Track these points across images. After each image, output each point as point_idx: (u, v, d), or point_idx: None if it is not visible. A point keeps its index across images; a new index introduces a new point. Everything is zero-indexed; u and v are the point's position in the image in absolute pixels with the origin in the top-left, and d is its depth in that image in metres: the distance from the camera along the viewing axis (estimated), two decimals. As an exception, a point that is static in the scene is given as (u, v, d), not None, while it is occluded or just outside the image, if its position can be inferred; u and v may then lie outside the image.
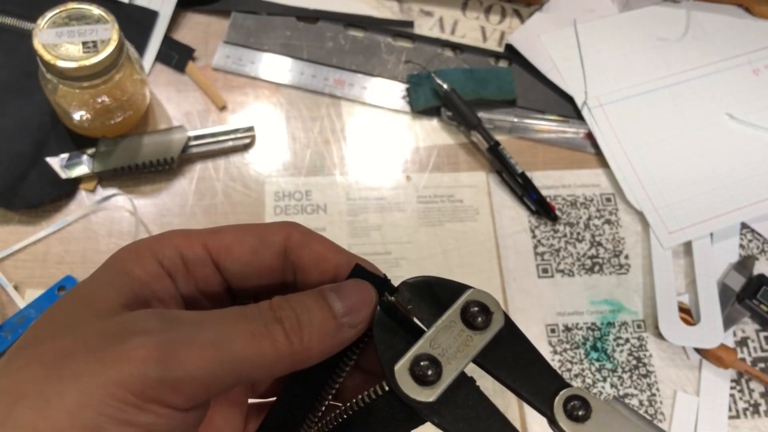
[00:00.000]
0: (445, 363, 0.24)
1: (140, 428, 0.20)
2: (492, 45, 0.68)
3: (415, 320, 0.25)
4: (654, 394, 0.55)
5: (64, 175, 0.57)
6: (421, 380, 0.23)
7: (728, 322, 0.57)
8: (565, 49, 0.67)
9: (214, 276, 0.26)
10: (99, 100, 0.54)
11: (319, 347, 0.23)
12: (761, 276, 0.58)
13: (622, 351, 0.56)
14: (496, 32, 0.69)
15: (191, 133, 0.59)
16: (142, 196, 0.59)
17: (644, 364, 0.56)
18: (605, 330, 0.57)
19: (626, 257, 0.60)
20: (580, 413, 0.24)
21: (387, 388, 0.25)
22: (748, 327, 0.58)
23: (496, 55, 0.67)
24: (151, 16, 0.64)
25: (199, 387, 0.21)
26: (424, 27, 0.68)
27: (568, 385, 0.25)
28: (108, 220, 0.58)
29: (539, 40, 0.67)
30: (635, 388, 0.55)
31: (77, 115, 0.55)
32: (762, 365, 0.57)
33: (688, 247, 0.60)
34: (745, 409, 0.55)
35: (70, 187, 0.58)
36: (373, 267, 0.27)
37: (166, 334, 0.21)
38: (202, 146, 0.60)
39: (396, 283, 0.26)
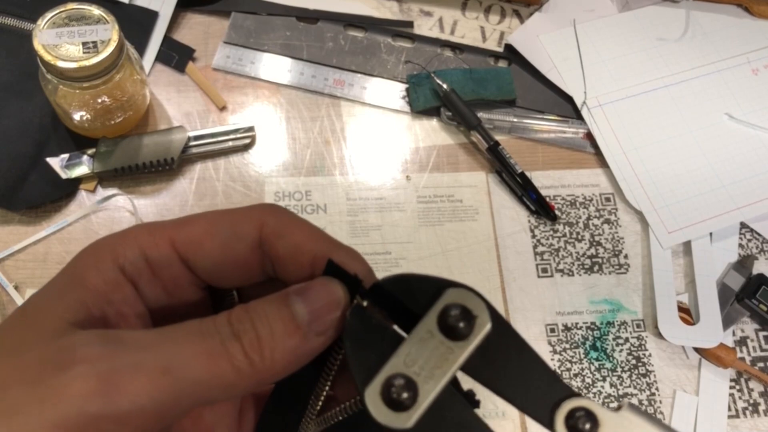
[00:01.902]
0: (422, 383, 0.21)
1: None
2: (491, 45, 0.68)
3: (394, 327, 0.23)
4: (653, 394, 0.55)
5: (64, 175, 0.57)
6: (395, 405, 0.21)
7: (727, 321, 0.57)
8: (565, 49, 0.67)
9: (184, 276, 0.24)
10: (99, 100, 0.54)
11: (284, 362, 0.21)
12: (760, 275, 0.58)
13: (621, 350, 0.56)
14: (496, 32, 0.69)
15: (191, 134, 0.59)
16: (143, 196, 0.59)
17: (643, 364, 0.56)
18: (605, 330, 0.57)
19: (626, 257, 0.60)
20: (586, 427, 0.21)
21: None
22: (748, 326, 0.58)
23: (496, 55, 0.67)
24: (151, 16, 0.64)
25: (148, 418, 0.19)
26: (424, 27, 0.68)
27: (572, 393, 0.21)
28: (108, 220, 0.58)
29: (539, 40, 0.67)
30: (635, 387, 0.55)
31: (77, 116, 0.55)
32: (761, 365, 0.57)
33: (687, 246, 0.60)
34: (745, 409, 0.55)
35: (71, 188, 0.58)
36: (356, 256, 0.24)
37: (108, 362, 0.19)
38: (202, 146, 0.60)
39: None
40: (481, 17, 0.69)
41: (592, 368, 0.56)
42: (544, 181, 0.62)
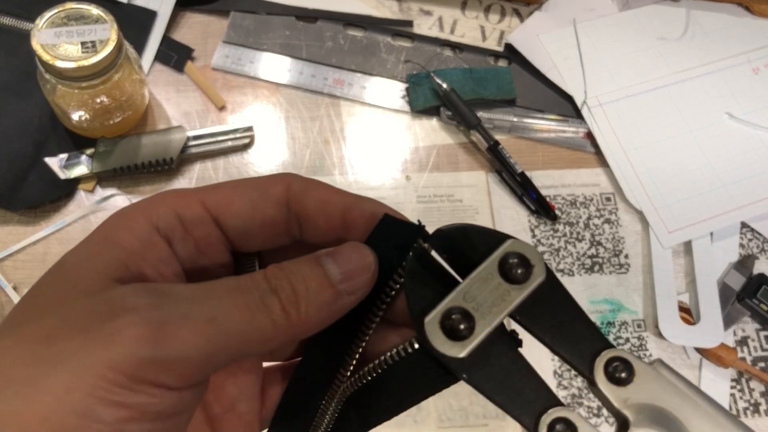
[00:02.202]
0: (479, 318, 0.22)
1: (133, 410, 0.19)
2: (491, 44, 0.68)
3: (450, 271, 0.24)
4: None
5: (63, 175, 0.57)
6: (452, 334, 0.22)
7: (728, 321, 0.57)
8: (565, 48, 0.67)
9: (215, 234, 0.24)
10: (98, 100, 0.54)
11: (317, 317, 0.22)
12: (761, 275, 0.58)
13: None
14: (496, 31, 0.69)
15: (190, 133, 0.59)
16: (142, 196, 0.58)
17: (644, 364, 0.56)
18: (605, 329, 0.57)
19: (626, 257, 0.60)
20: (622, 375, 0.22)
21: (417, 345, 0.23)
22: (748, 326, 0.58)
23: (496, 55, 0.67)
24: (149, 15, 0.64)
25: (192, 366, 0.20)
26: (424, 26, 0.68)
27: (611, 346, 0.23)
28: (107, 220, 0.57)
29: (539, 40, 0.67)
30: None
31: (76, 116, 0.55)
32: (762, 364, 0.57)
33: (688, 246, 0.60)
34: (746, 409, 0.55)
35: (70, 188, 0.57)
36: (399, 213, 0.25)
37: (158, 312, 0.20)
38: (201, 146, 0.60)
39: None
40: (480, 16, 0.69)
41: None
42: (545, 180, 0.62)
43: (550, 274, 0.23)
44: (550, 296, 0.23)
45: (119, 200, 0.58)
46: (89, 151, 0.58)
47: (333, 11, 0.67)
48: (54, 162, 0.57)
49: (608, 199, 0.62)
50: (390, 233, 0.24)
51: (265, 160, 0.61)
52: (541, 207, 0.60)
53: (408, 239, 0.24)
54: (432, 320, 0.22)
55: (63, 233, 0.57)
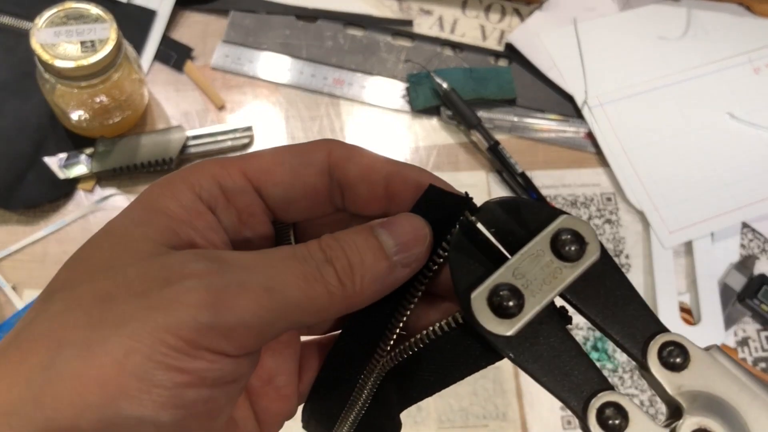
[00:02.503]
0: (528, 295, 0.21)
1: (191, 375, 0.19)
2: (492, 44, 0.68)
3: (498, 245, 0.23)
4: (655, 394, 0.55)
5: (62, 175, 0.57)
6: (500, 311, 0.21)
7: (729, 321, 0.57)
8: (565, 47, 0.67)
9: (257, 204, 0.24)
10: (97, 99, 0.54)
11: (372, 289, 0.22)
12: (762, 276, 0.58)
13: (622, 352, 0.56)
14: (496, 31, 0.68)
15: (190, 133, 0.59)
16: (141, 196, 0.58)
17: (645, 364, 0.56)
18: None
19: (627, 257, 0.59)
20: (677, 361, 0.21)
21: (461, 320, 0.23)
22: (749, 327, 0.58)
23: (496, 54, 0.67)
24: (149, 15, 0.64)
25: (251, 334, 0.20)
26: (424, 26, 0.68)
27: (666, 330, 0.22)
28: (106, 220, 0.57)
29: (539, 39, 0.67)
30: (636, 388, 0.55)
31: (75, 115, 0.55)
32: (763, 365, 0.56)
33: (688, 246, 0.60)
34: (746, 409, 0.55)
35: (69, 188, 0.57)
36: (443, 182, 0.24)
37: (217, 278, 0.20)
38: (200, 146, 0.59)
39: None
40: (481, 16, 0.69)
41: (593, 369, 0.55)
42: (545, 180, 0.62)
43: (603, 253, 0.22)
44: (603, 275, 0.22)
45: (118, 200, 0.58)
46: (88, 150, 0.58)
47: (333, 11, 0.67)
48: (53, 162, 0.57)
49: (609, 199, 0.62)
50: (435, 204, 0.24)
51: (264, 159, 0.61)
52: (541, 207, 0.60)
53: (454, 211, 0.23)
54: (479, 296, 0.21)
55: (62, 233, 0.56)
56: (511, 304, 0.21)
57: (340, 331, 0.26)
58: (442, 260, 0.24)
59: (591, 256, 0.22)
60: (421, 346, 0.24)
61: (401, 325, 0.25)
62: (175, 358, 0.19)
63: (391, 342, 0.25)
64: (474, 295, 0.21)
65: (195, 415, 0.19)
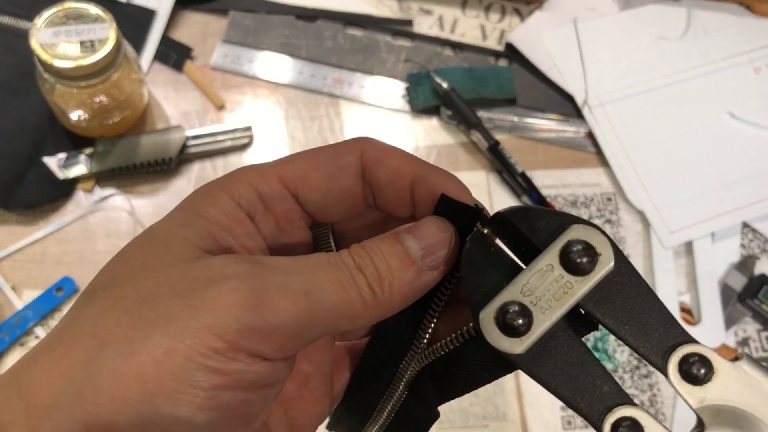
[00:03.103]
0: (537, 312, 0.21)
1: (229, 377, 0.19)
2: (492, 44, 0.68)
3: (512, 256, 0.23)
4: (655, 395, 0.55)
5: (61, 175, 0.57)
6: (509, 330, 0.21)
7: (729, 322, 0.57)
8: (566, 47, 0.66)
9: (295, 210, 0.24)
10: (97, 99, 0.54)
11: (401, 295, 0.22)
12: (762, 276, 0.58)
13: (623, 351, 0.56)
14: (496, 31, 0.68)
15: (189, 133, 0.59)
16: (141, 196, 0.58)
17: (645, 365, 0.56)
18: (605, 331, 0.57)
19: (627, 257, 0.59)
20: (700, 373, 0.20)
21: (474, 333, 0.23)
22: (750, 327, 0.58)
23: (496, 54, 0.67)
24: (148, 15, 0.64)
25: (290, 336, 0.20)
26: (424, 26, 0.68)
27: (690, 340, 0.21)
28: (106, 220, 0.57)
29: (539, 39, 0.67)
30: (636, 388, 0.55)
31: (75, 115, 0.55)
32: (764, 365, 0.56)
33: (689, 246, 0.60)
34: (747, 410, 0.55)
35: (68, 188, 0.57)
36: (453, 178, 0.24)
37: (258, 280, 0.20)
38: (200, 146, 0.59)
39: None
40: (481, 15, 0.69)
41: (594, 369, 0.55)
42: (545, 180, 0.62)
43: (621, 259, 0.22)
44: (622, 282, 0.22)
45: (118, 200, 0.58)
46: (88, 150, 0.58)
47: (333, 10, 0.67)
48: (52, 162, 0.57)
49: (609, 199, 0.61)
50: (448, 214, 0.24)
51: (264, 159, 0.61)
52: (541, 207, 0.60)
53: (465, 223, 0.23)
54: (487, 315, 0.21)
55: (62, 233, 0.56)
56: (519, 322, 0.21)
57: (370, 336, 0.27)
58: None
59: (603, 268, 0.21)
60: (450, 348, 0.24)
61: (432, 326, 0.25)
62: (214, 359, 0.19)
63: (425, 341, 0.25)
64: (482, 314, 0.21)
65: (230, 418, 0.20)
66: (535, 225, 0.22)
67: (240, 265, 0.20)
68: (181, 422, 0.19)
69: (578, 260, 0.21)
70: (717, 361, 0.21)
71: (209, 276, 0.20)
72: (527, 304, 0.21)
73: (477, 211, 0.23)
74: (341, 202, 0.25)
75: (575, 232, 0.22)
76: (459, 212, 0.24)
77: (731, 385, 0.20)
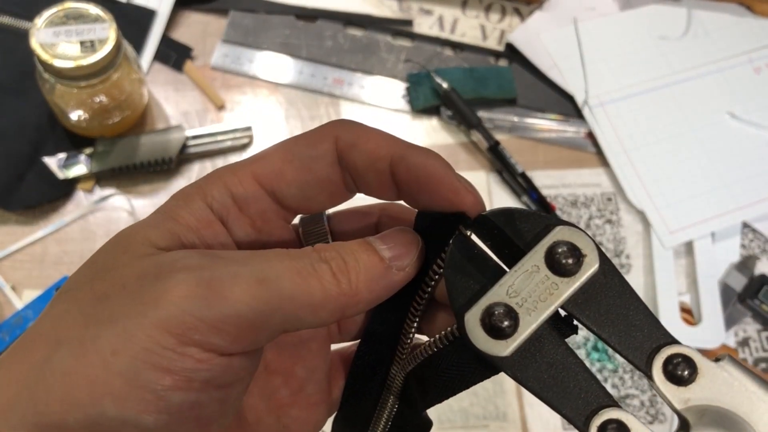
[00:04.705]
0: (523, 314, 0.21)
1: (178, 376, 0.18)
2: (492, 44, 0.68)
3: (495, 258, 0.23)
4: (655, 395, 0.55)
5: (61, 175, 0.56)
6: (494, 332, 0.21)
7: (729, 322, 0.57)
8: (566, 47, 0.66)
9: (271, 209, 0.24)
10: (97, 99, 0.54)
11: (368, 289, 0.22)
12: (763, 276, 0.58)
13: (623, 351, 0.56)
14: (496, 31, 0.68)
15: (189, 133, 0.59)
16: (141, 196, 0.58)
17: (645, 365, 0.56)
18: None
19: (627, 257, 0.59)
20: (684, 374, 0.20)
21: (458, 334, 0.22)
22: (750, 327, 0.58)
23: (496, 54, 0.67)
24: (148, 15, 0.64)
25: (244, 326, 0.19)
26: (424, 26, 0.68)
27: (674, 341, 0.21)
28: (106, 220, 0.57)
29: (539, 39, 0.67)
30: (636, 388, 0.55)
31: (75, 115, 0.55)
32: (763, 365, 0.56)
33: (689, 246, 0.60)
34: (747, 410, 0.55)
35: (68, 188, 0.57)
36: (446, 166, 0.23)
37: (208, 271, 0.19)
38: (200, 146, 0.59)
39: None
40: (481, 16, 0.69)
41: (594, 369, 0.55)
42: (545, 180, 0.61)
43: (604, 261, 0.22)
44: (606, 285, 0.22)
45: (118, 200, 0.58)
46: (88, 150, 0.57)
47: (333, 10, 0.67)
48: (52, 162, 0.57)
49: (609, 199, 0.61)
50: (432, 218, 0.24)
51: (264, 159, 0.61)
52: (541, 207, 0.60)
53: (449, 227, 0.23)
54: (472, 317, 0.21)
55: (61, 233, 0.56)
56: (505, 324, 0.21)
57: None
58: (441, 271, 0.23)
59: (588, 269, 0.21)
60: (435, 349, 0.24)
61: (413, 330, 0.25)
62: (163, 356, 0.18)
63: (407, 347, 0.25)
64: (467, 316, 0.21)
65: (182, 421, 0.19)
66: (519, 227, 0.22)
67: (190, 259, 0.20)
68: (129, 424, 0.18)
69: (564, 261, 0.21)
70: (701, 361, 0.21)
71: (159, 271, 0.19)
72: (513, 305, 0.21)
73: (458, 215, 0.23)
74: (321, 193, 0.24)
75: (560, 234, 0.21)
76: (439, 221, 0.23)
77: (715, 386, 0.20)
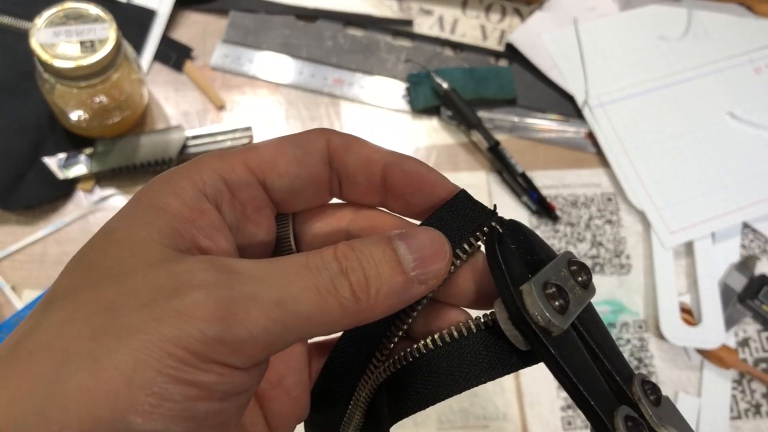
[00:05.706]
0: (571, 296, 0.22)
1: (201, 388, 0.18)
2: (492, 44, 0.68)
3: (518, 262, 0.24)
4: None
5: (61, 175, 0.56)
6: (555, 304, 0.21)
7: (730, 322, 0.57)
8: (566, 47, 0.66)
9: (261, 197, 0.24)
10: (97, 99, 0.54)
11: (386, 303, 0.21)
12: (763, 276, 0.58)
13: (623, 352, 0.56)
14: (497, 31, 0.68)
15: (189, 133, 0.59)
16: (141, 196, 0.58)
17: (646, 365, 0.56)
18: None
19: (627, 257, 0.59)
20: (657, 396, 0.23)
21: (474, 329, 0.23)
22: (750, 327, 0.58)
23: (497, 54, 0.67)
24: (148, 15, 0.64)
25: (260, 348, 0.19)
26: (424, 26, 0.68)
27: (635, 371, 0.24)
28: (106, 220, 0.57)
29: (540, 39, 0.67)
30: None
31: (75, 115, 0.55)
32: (764, 366, 0.56)
33: (689, 247, 0.60)
34: (747, 410, 0.55)
35: (68, 188, 0.57)
36: (439, 176, 0.24)
37: (226, 290, 0.19)
38: (200, 146, 0.59)
39: None
40: (481, 16, 0.69)
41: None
42: (545, 180, 0.61)
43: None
44: (592, 310, 0.24)
45: (118, 200, 0.58)
46: (88, 150, 0.57)
47: (333, 10, 0.67)
48: (52, 162, 0.57)
49: (609, 200, 0.61)
50: (460, 212, 0.24)
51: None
52: (542, 207, 0.60)
53: (479, 222, 0.24)
54: (534, 285, 0.21)
55: (61, 233, 0.56)
56: (560, 301, 0.21)
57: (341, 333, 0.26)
58: (453, 268, 0.24)
59: (593, 292, 0.23)
60: (423, 353, 0.23)
61: (400, 333, 0.24)
62: (185, 371, 0.18)
63: (387, 351, 0.25)
64: (525, 287, 0.21)
65: (205, 428, 0.19)
66: (534, 243, 0.24)
67: (207, 273, 0.19)
68: None
69: (582, 273, 0.23)
70: (658, 388, 0.24)
71: (175, 285, 0.19)
72: (564, 287, 0.22)
73: (494, 212, 0.24)
74: (308, 189, 0.24)
75: (572, 255, 0.24)
76: (473, 212, 0.24)
77: (672, 410, 0.23)
